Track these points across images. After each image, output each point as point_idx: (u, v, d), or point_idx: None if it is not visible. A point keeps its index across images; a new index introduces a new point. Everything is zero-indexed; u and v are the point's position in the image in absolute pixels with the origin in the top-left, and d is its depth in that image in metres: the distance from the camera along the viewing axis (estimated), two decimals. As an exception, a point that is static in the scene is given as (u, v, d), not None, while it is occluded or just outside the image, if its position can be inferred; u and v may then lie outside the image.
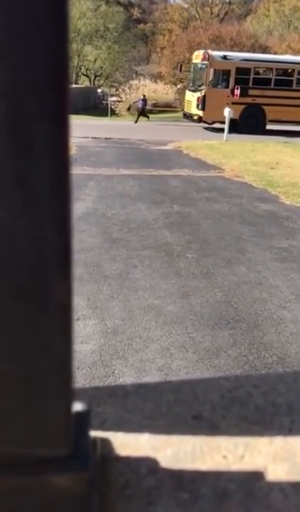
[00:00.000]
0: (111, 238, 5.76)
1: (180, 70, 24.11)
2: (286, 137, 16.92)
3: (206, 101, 18.36)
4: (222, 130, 16.47)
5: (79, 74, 41.21)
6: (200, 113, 18.71)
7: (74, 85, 32.97)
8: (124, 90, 28.88)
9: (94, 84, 40.56)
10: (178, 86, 28.25)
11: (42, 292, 0.51)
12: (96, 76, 41.22)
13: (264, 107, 18.68)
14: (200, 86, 19.12)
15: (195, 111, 19.06)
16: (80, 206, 7.03)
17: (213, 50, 20.52)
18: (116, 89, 30.81)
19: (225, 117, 16.24)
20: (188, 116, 19.95)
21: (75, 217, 6.39)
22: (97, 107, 31.64)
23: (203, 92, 18.62)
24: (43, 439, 0.58)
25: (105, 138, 15.77)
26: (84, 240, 5.60)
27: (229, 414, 0.82)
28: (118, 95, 29.26)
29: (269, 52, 28.37)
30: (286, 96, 18.72)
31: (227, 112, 16.18)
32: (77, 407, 0.63)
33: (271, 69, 19.47)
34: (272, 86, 18.98)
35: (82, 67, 40.97)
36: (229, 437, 0.76)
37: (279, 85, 19.00)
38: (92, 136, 15.60)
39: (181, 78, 26.79)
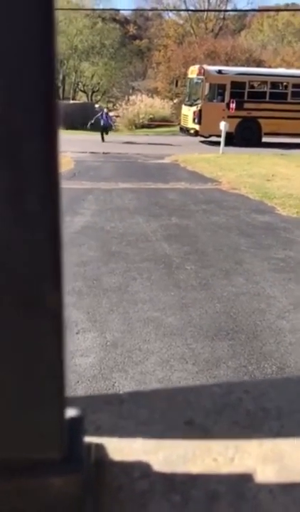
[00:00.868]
0: (110, 251, 5.79)
1: (176, 85, 24.45)
2: (282, 149, 17.09)
3: (202, 115, 18.55)
4: (218, 143, 16.61)
5: (77, 90, 41.70)
6: (197, 127, 18.89)
7: (71, 101, 33.32)
8: (121, 105, 29.17)
9: (91, 100, 40.97)
10: (175, 101, 28.55)
11: (34, 302, 0.53)
12: (93, 92, 41.65)
13: (260, 120, 18.85)
14: (196, 100, 19.33)
15: (191, 125, 19.24)
16: (79, 220, 7.08)
17: (208, 64, 20.85)
18: (114, 105, 31.12)
19: (220, 131, 16.42)
20: (185, 130, 20.13)
21: (74, 231, 6.46)
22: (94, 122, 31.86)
23: (199, 106, 18.83)
24: (37, 443, 0.60)
25: (103, 152, 15.92)
26: (83, 253, 5.63)
27: (221, 419, 0.84)
28: (116, 110, 29.55)
29: (264, 66, 28.83)
30: (281, 109, 18.88)
31: (223, 126, 16.37)
32: (71, 412, 0.66)
33: (266, 82, 19.71)
34: (267, 99, 19.17)
35: (80, 83, 41.44)
36: (220, 441, 0.79)
37: (273, 98, 19.19)
38: (90, 151, 15.75)
39: (177, 93, 27.15)
